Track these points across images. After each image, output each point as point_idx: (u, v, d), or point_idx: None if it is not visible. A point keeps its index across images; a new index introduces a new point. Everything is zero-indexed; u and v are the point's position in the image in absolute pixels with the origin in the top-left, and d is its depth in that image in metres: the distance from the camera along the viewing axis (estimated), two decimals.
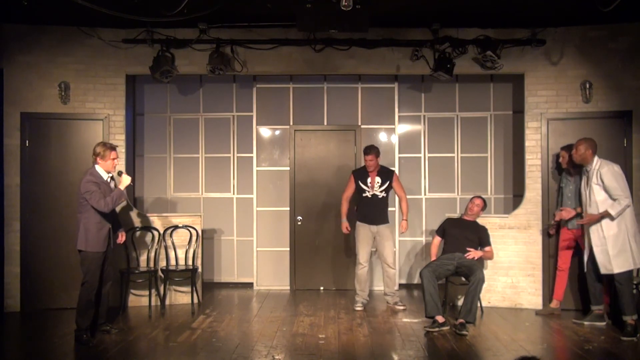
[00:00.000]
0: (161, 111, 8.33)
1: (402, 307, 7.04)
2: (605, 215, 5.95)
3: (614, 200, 5.93)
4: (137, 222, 7.33)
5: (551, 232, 7.05)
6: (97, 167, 5.86)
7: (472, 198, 6.97)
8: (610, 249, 5.94)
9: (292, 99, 8.32)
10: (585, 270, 6.33)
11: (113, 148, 5.93)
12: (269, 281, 8.29)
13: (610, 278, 6.06)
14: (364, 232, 7.07)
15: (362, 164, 7.26)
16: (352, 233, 7.29)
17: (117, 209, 6.31)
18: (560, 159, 6.88)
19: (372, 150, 7.04)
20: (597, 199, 6.01)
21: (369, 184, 7.06)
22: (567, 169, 6.83)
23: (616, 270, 5.92)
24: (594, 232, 6.04)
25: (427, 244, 8.12)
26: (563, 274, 6.85)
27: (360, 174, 7.13)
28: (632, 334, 5.82)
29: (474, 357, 5.41)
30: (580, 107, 7.23)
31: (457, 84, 8.17)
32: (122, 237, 6.26)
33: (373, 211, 7.07)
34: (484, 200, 6.94)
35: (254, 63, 7.47)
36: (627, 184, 6.07)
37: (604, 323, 6.30)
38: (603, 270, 5.99)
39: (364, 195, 7.07)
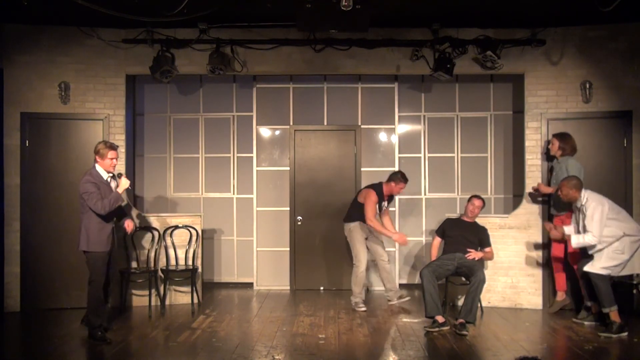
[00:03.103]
0: (161, 111, 8.33)
1: (407, 298, 7.22)
2: (568, 239, 6.18)
3: (586, 232, 6.04)
4: (137, 222, 7.32)
5: (534, 188, 7.13)
6: (97, 167, 5.86)
7: (471, 198, 6.91)
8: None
9: (292, 99, 8.32)
10: (579, 267, 6.37)
11: (113, 147, 5.90)
12: (269, 281, 8.29)
13: (587, 277, 6.13)
14: (361, 230, 7.13)
15: (380, 182, 7.23)
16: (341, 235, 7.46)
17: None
18: (550, 145, 6.98)
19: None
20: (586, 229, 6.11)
21: (382, 207, 7.23)
22: (555, 156, 6.93)
23: None
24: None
25: (427, 244, 8.12)
26: (559, 264, 6.86)
27: (380, 197, 7.10)
28: (616, 331, 5.87)
29: (474, 357, 5.41)
30: (580, 107, 7.24)
31: (457, 84, 8.16)
32: (129, 225, 6.14)
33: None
34: (482, 200, 6.91)
35: (254, 63, 7.48)
36: (622, 213, 6.12)
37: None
38: (628, 271, 6.09)
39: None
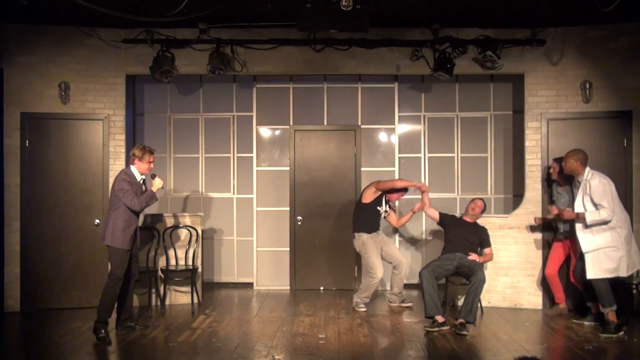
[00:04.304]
0: (161, 111, 8.33)
1: (410, 304, 7.15)
2: (581, 217, 5.98)
3: (597, 209, 5.95)
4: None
5: (536, 222, 7.06)
6: (133, 168, 6.07)
7: (474, 199, 6.96)
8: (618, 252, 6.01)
9: (292, 99, 8.32)
10: (574, 273, 6.39)
11: (152, 152, 6.16)
12: (269, 281, 8.29)
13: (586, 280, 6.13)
14: (374, 243, 7.06)
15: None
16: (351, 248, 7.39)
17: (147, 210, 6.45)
18: (551, 170, 6.92)
19: None
20: (589, 210, 6.02)
21: (383, 205, 7.17)
22: (557, 180, 6.87)
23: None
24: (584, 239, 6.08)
25: (427, 244, 8.12)
26: (554, 278, 6.84)
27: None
28: (613, 331, 5.88)
29: (474, 357, 5.41)
30: (580, 107, 7.24)
31: (457, 84, 8.16)
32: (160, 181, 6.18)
33: (378, 222, 7.20)
34: (484, 203, 6.94)
35: (254, 63, 7.47)
36: (616, 200, 6.04)
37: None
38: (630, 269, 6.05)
39: (378, 208, 7.10)
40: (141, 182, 6.13)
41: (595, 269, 5.97)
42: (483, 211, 6.90)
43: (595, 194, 5.96)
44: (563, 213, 6.24)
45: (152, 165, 6.16)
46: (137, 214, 6.03)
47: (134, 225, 6.00)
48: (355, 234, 7.12)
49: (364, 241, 7.03)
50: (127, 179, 5.94)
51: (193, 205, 8.27)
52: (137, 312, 6.92)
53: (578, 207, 6.09)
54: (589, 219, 5.94)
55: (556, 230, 6.89)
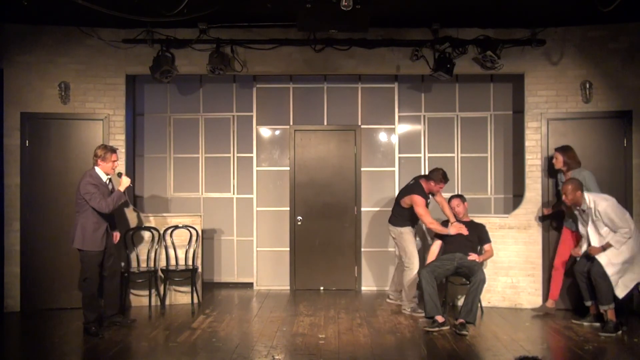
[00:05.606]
0: (161, 111, 8.33)
1: (421, 313, 6.65)
2: (607, 247, 6.07)
3: (615, 232, 6.04)
4: (137, 222, 7.33)
5: (546, 212, 7.08)
6: (97, 169, 6.06)
7: (450, 201, 6.88)
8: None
9: (292, 99, 8.32)
10: (576, 268, 6.38)
11: (114, 150, 6.14)
12: (269, 281, 8.29)
13: (588, 277, 6.19)
14: (412, 235, 7.04)
15: (419, 182, 7.01)
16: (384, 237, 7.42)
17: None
18: (554, 160, 6.89)
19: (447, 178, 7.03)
20: (601, 231, 6.11)
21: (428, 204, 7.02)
22: (561, 170, 6.86)
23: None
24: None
25: (427, 244, 8.11)
26: (559, 273, 6.83)
27: (425, 197, 6.90)
28: (612, 330, 5.91)
29: (474, 357, 5.41)
30: (580, 107, 7.24)
31: (457, 84, 8.16)
32: (116, 237, 6.40)
33: (417, 219, 7.06)
34: (459, 197, 6.89)
35: (254, 63, 7.48)
36: (624, 211, 6.15)
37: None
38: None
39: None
40: (107, 182, 6.11)
41: (623, 288, 6.03)
42: (464, 202, 6.86)
43: (607, 218, 6.04)
44: (590, 251, 6.19)
45: (116, 164, 6.15)
46: (105, 215, 6.01)
47: (103, 226, 6.02)
48: (392, 226, 7.07)
49: (402, 232, 6.98)
50: (91, 181, 5.92)
51: (193, 205, 8.27)
52: (137, 312, 6.94)
53: (594, 240, 6.15)
54: (617, 246, 6.03)
55: (563, 217, 6.90)
